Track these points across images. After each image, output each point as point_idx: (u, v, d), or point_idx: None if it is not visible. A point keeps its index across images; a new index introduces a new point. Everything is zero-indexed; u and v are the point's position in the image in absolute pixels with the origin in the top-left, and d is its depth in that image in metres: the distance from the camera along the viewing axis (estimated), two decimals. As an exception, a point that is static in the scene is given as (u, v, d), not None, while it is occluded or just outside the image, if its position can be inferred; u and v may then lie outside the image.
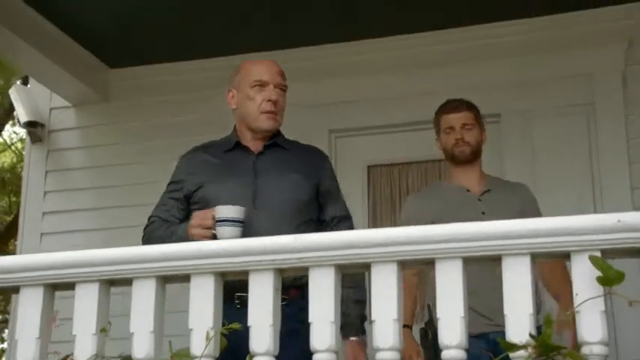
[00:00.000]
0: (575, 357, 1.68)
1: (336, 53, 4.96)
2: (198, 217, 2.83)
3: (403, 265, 1.86)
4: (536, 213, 3.51)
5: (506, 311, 1.78)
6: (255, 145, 3.08)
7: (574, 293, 1.76)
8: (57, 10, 4.77)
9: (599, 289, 1.74)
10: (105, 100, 5.33)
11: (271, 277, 1.91)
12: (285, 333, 1.96)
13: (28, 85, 5.63)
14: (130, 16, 4.79)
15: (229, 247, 1.93)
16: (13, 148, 15.70)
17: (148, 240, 3.04)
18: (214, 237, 2.68)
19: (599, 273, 1.73)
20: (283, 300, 2.00)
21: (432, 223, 3.15)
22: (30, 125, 5.31)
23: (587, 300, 1.74)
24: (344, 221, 3.08)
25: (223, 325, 1.91)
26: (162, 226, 3.03)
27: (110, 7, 4.73)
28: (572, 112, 4.66)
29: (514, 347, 1.70)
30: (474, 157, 3.62)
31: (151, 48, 5.11)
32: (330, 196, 3.10)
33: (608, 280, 1.71)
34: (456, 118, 3.64)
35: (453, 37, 4.82)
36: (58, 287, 2.06)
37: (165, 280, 2.00)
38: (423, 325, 3.42)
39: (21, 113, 5.35)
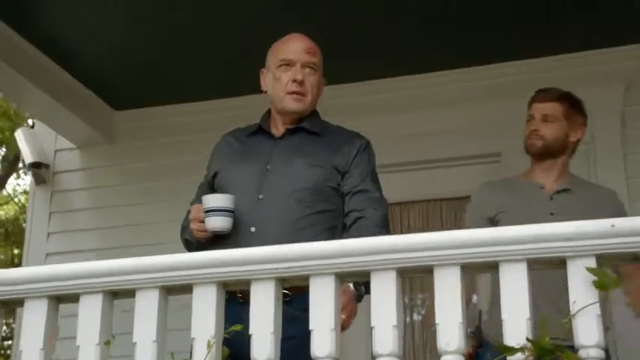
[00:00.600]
0: (571, 358, 1.70)
1: (332, 95, 5.00)
2: (193, 210, 2.77)
3: (402, 272, 1.89)
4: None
5: (503, 316, 1.81)
6: (280, 130, 2.93)
7: (570, 299, 1.78)
8: (64, 53, 4.86)
9: (595, 295, 1.76)
10: (109, 141, 5.40)
11: (272, 286, 1.93)
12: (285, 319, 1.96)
13: (34, 128, 5.70)
14: (135, 58, 4.88)
15: (230, 256, 1.96)
16: (16, 200, 15.80)
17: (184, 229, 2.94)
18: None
19: (595, 278, 1.76)
20: (285, 296, 2.01)
21: (496, 215, 3.17)
22: (35, 166, 5.37)
23: (585, 306, 1.75)
24: (360, 193, 2.80)
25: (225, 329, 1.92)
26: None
27: (116, 50, 4.82)
28: (570, 151, 4.70)
29: (511, 350, 1.72)
30: (548, 152, 3.32)
31: (155, 90, 5.20)
32: (351, 174, 2.83)
33: (604, 284, 1.74)
34: (538, 108, 3.39)
35: (453, 78, 4.90)
36: (62, 299, 2.08)
37: (168, 290, 2.02)
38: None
39: (26, 154, 5.42)
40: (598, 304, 1.76)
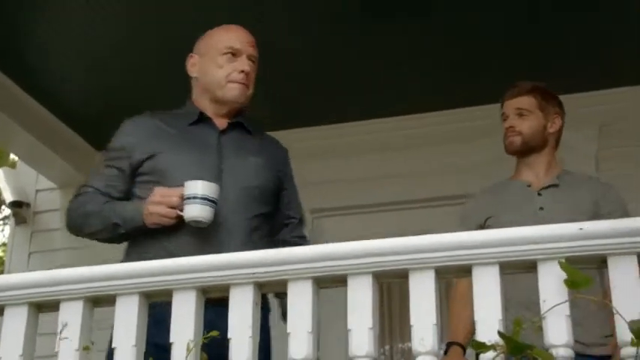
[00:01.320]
0: (544, 356, 1.74)
1: (316, 136, 5.11)
2: (159, 193, 2.59)
3: (378, 276, 1.93)
4: (616, 208, 3.12)
5: (476, 317, 1.85)
6: (219, 122, 2.82)
7: (541, 300, 1.83)
8: (47, 93, 4.92)
9: (565, 295, 1.82)
10: (90, 181, 5.41)
11: (251, 291, 1.97)
12: None
13: (16, 168, 5.74)
14: (117, 98, 4.93)
15: (210, 261, 2.00)
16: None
17: (74, 211, 2.74)
18: (178, 218, 2.53)
19: (563, 282, 1.81)
20: None
21: (486, 221, 3.15)
22: (15, 205, 5.39)
23: (555, 305, 1.81)
24: (301, 225, 2.93)
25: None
26: (97, 200, 2.72)
27: (99, 92, 4.88)
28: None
29: (483, 347, 1.76)
30: (528, 148, 3.26)
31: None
32: (289, 193, 2.91)
33: (575, 283, 1.79)
34: (510, 104, 3.32)
35: (431, 121, 4.99)
36: (42, 306, 2.11)
37: (147, 296, 2.05)
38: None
39: (7, 194, 5.43)
40: (567, 304, 1.80)
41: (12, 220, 5.57)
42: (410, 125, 4.99)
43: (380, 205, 4.94)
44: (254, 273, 1.96)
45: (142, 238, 2.67)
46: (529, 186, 3.24)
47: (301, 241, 2.88)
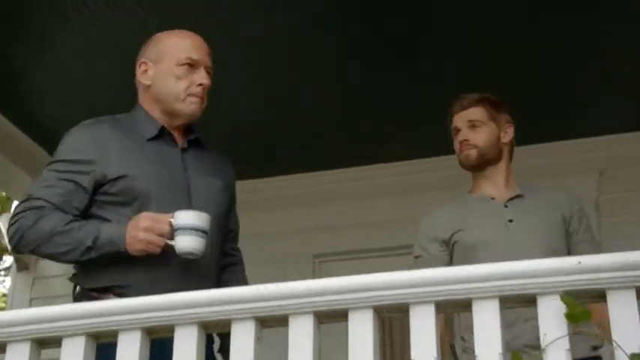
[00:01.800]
0: (543, 389, 1.74)
1: (318, 181, 5.15)
2: (149, 218, 2.42)
3: (379, 310, 1.94)
4: (581, 219, 3.14)
5: (477, 351, 1.85)
6: (177, 137, 2.68)
7: (541, 333, 1.84)
8: (50, 138, 4.96)
9: (565, 329, 1.82)
10: (92, 227, 5.43)
11: (252, 326, 1.97)
12: None
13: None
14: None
15: (210, 296, 2.00)
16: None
17: (30, 227, 2.46)
18: (166, 247, 2.41)
19: (564, 315, 1.82)
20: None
21: (452, 236, 3.08)
22: (17, 252, 5.38)
23: (555, 339, 1.81)
24: (237, 235, 2.86)
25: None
26: (57, 217, 2.47)
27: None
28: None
29: (485, 381, 1.76)
30: (485, 161, 3.16)
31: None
32: (234, 207, 2.82)
33: (575, 317, 1.79)
34: (461, 117, 3.21)
35: (433, 166, 5.02)
36: (44, 342, 2.10)
37: (149, 332, 2.05)
38: None
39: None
40: (567, 338, 1.81)
41: (14, 267, 5.57)
42: (412, 170, 5.04)
43: (383, 250, 4.96)
44: (255, 308, 1.96)
45: (104, 263, 2.49)
46: (493, 199, 3.15)
47: (235, 252, 2.85)
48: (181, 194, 2.56)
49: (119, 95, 4.44)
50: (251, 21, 3.97)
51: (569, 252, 3.07)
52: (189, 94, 2.64)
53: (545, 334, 1.83)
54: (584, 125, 4.83)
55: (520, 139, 4.82)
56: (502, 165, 3.20)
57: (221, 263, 2.75)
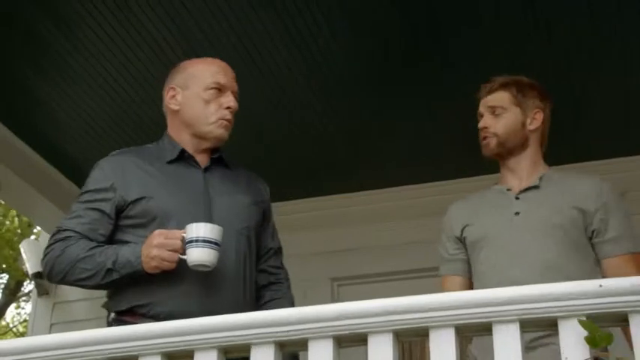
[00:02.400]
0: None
1: (337, 205, 5.15)
2: (162, 235, 2.46)
3: (398, 334, 1.93)
4: (607, 214, 2.81)
5: (497, 376, 1.84)
6: (200, 158, 2.74)
7: (562, 357, 1.82)
8: (72, 165, 5.01)
9: (586, 353, 1.80)
10: (112, 251, 5.46)
11: (272, 351, 1.97)
12: None
13: (39, 239, 5.79)
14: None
15: (230, 320, 2.00)
16: (14, 330, 15.70)
17: (58, 257, 2.57)
18: (180, 262, 2.44)
19: (584, 339, 1.80)
20: None
21: (462, 230, 2.94)
22: (38, 277, 5.42)
23: (576, 364, 1.79)
24: (279, 254, 2.88)
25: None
26: (82, 244, 2.56)
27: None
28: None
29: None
30: (506, 150, 2.93)
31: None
32: (270, 225, 2.86)
33: (596, 340, 1.78)
34: (483, 103, 2.99)
35: (450, 189, 5.00)
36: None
37: (169, 357, 2.05)
38: None
39: (30, 265, 5.48)
40: (589, 362, 1.79)
41: (34, 292, 5.59)
42: (432, 193, 5.02)
43: (403, 273, 4.93)
44: (275, 332, 1.96)
45: (132, 284, 2.55)
46: (509, 190, 2.93)
47: (278, 270, 2.87)
48: (202, 211, 2.60)
49: (137, 123, 4.58)
50: (271, 53, 4.01)
51: (593, 249, 2.81)
52: (218, 118, 2.71)
53: (566, 358, 1.82)
54: (606, 146, 4.80)
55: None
56: (528, 154, 2.94)
57: (263, 282, 2.80)
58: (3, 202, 11.41)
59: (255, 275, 2.76)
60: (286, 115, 4.50)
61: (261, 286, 2.79)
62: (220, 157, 2.79)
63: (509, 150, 2.93)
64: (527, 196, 2.88)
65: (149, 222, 2.58)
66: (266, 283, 2.82)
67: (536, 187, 2.89)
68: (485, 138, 2.94)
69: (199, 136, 2.74)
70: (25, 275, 10.69)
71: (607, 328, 1.82)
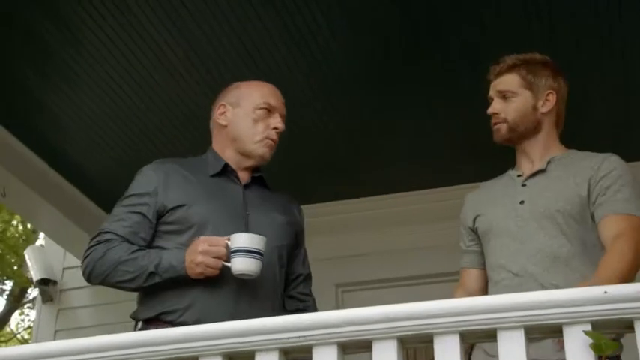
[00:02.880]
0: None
1: (341, 210, 5.15)
2: (206, 242, 2.52)
3: (403, 341, 1.93)
4: (604, 181, 2.67)
5: (503, 384, 1.83)
6: (241, 175, 2.80)
7: (568, 364, 1.82)
8: (76, 171, 5.02)
9: (592, 360, 1.80)
10: (117, 258, 5.46)
11: (276, 357, 1.97)
12: None
13: (44, 246, 5.81)
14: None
15: (234, 327, 2.00)
16: (19, 336, 15.71)
17: (99, 259, 2.62)
18: (224, 269, 2.50)
19: (589, 346, 1.80)
20: None
21: (475, 221, 2.87)
22: (42, 283, 5.43)
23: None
24: (308, 281, 2.93)
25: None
26: (124, 247, 2.61)
27: (125, 168, 4.96)
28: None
29: (511, 412, 1.74)
30: (518, 135, 2.82)
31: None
32: (302, 250, 2.92)
33: (601, 348, 1.77)
34: (493, 87, 2.88)
35: (455, 194, 4.97)
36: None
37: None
38: None
39: (35, 271, 5.49)
40: (595, 370, 1.79)
41: (39, 299, 5.60)
42: (436, 199, 5.02)
43: (407, 279, 4.93)
44: (279, 339, 1.96)
45: (164, 288, 2.61)
46: (519, 176, 2.83)
47: (306, 297, 2.91)
48: (238, 225, 2.65)
49: (141, 128, 4.59)
50: (271, 52, 4.01)
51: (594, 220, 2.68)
52: (265, 137, 2.79)
53: (572, 365, 1.81)
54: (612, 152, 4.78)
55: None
56: (540, 137, 2.82)
57: (290, 307, 2.84)
58: (7, 209, 11.44)
59: (281, 293, 2.81)
60: (288, 120, 4.48)
61: (289, 311, 2.81)
62: (261, 176, 2.85)
63: (520, 135, 2.82)
64: (534, 181, 2.78)
65: (186, 229, 2.64)
66: (294, 309, 2.84)
67: (542, 171, 2.79)
68: (495, 124, 2.84)
69: (243, 154, 2.80)
70: (30, 282, 10.70)
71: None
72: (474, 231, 2.91)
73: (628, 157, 4.51)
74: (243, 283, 2.57)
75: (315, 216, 5.13)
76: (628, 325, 1.84)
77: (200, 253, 2.52)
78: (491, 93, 2.87)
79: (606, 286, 1.84)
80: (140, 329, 2.64)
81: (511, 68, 2.83)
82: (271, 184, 2.93)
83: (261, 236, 2.51)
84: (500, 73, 2.85)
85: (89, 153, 4.83)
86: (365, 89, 4.30)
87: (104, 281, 2.68)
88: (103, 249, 2.64)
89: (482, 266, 2.91)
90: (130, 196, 2.73)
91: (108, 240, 2.65)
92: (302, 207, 5.05)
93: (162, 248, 2.64)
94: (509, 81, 2.82)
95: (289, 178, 4.90)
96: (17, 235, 13.60)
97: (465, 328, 1.89)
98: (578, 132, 4.42)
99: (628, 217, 2.63)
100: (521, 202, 2.75)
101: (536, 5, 3.74)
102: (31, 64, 4.16)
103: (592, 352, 1.80)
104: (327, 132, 4.59)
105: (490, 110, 2.85)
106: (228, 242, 2.52)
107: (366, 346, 1.95)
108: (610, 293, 1.82)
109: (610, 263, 2.50)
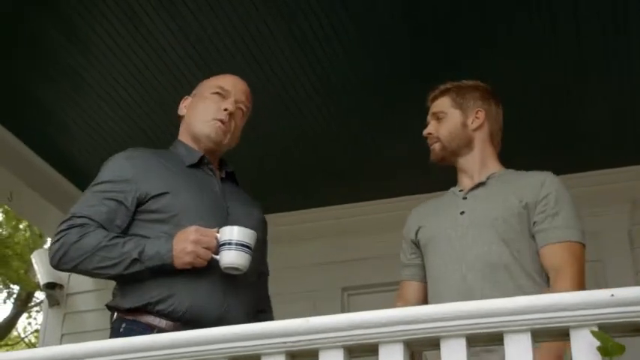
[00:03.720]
0: None
1: (347, 214, 5.15)
2: (198, 232, 2.47)
3: (409, 344, 1.92)
4: (551, 199, 2.76)
5: (509, 385, 1.82)
6: (219, 171, 2.78)
7: (575, 369, 1.81)
8: (84, 177, 5.02)
9: (599, 363, 1.79)
10: (123, 262, 5.47)
11: (283, 361, 1.96)
12: None
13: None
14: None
15: (239, 331, 1.99)
16: (26, 340, 15.74)
17: (74, 243, 2.51)
18: (212, 261, 2.46)
19: (597, 349, 1.79)
20: None
21: (417, 234, 2.93)
22: (49, 287, 5.44)
23: (588, 374, 1.78)
24: (267, 280, 2.90)
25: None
26: (100, 233, 2.52)
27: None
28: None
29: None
30: (452, 153, 2.94)
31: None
32: (266, 249, 2.87)
33: (608, 351, 1.76)
34: (429, 112, 3.03)
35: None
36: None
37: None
38: None
39: (41, 275, 5.50)
40: (602, 373, 1.78)
41: (45, 303, 5.61)
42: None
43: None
44: (285, 342, 1.95)
45: (147, 276, 2.54)
46: (461, 191, 2.93)
47: (268, 300, 2.92)
48: (220, 216, 2.61)
49: (147, 132, 4.60)
50: (278, 59, 4.02)
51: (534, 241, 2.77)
52: (214, 119, 2.72)
53: (578, 369, 1.80)
54: (616, 155, 4.78)
55: (552, 168, 4.87)
56: (476, 153, 2.93)
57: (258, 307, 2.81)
58: (14, 214, 11.46)
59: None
60: (294, 124, 4.50)
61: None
62: (233, 172, 2.83)
63: (453, 152, 2.94)
64: (474, 194, 2.87)
65: (169, 218, 2.57)
66: (259, 309, 2.83)
67: (483, 184, 2.88)
68: (431, 144, 2.97)
69: (194, 138, 2.75)
70: (37, 286, 10.72)
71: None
72: (416, 244, 2.97)
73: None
74: (225, 279, 2.54)
75: (321, 219, 5.15)
76: (635, 329, 1.83)
77: (192, 242, 2.47)
78: (428, 117, 3.01)
79: (613, 289, 1.83)
80: (120, 320, 2.57)
81: (443, 93, 2.99)
82: (241, 183, 2.91)
83: (252, 231, 2.47)
84: (434, 98, 3.01)
85: (96, 157, 4.83)
86: (373, 97, 4.30)
87: (76, 267, 2.56)
88: (78, 233, 2.52)
89: (423, 279, 2.96)
90: (103, 182, 2.64)
91: (82, 225, 2.54)
92: (308, 210, 5.13)
93: (142, 237, 2.56)
94: (440, 103, 2.97)
95: (295, 182, 4.93)
96: (23, 240, 13.62)
97: (471, 331, 1.88)
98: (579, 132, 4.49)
99: (568, 244, 2.73)
100: (462, 213, 2.83)
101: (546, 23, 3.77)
102: (39, 69, 4.18)
103: (599, 356, 1.78)
104: (333, 135, 4.59)
105: (425, 132, 2.98)
106: (218, 235, 2.48)
107: (372, 349, 1.94)
108: (617, 296, 1.81)
109: None
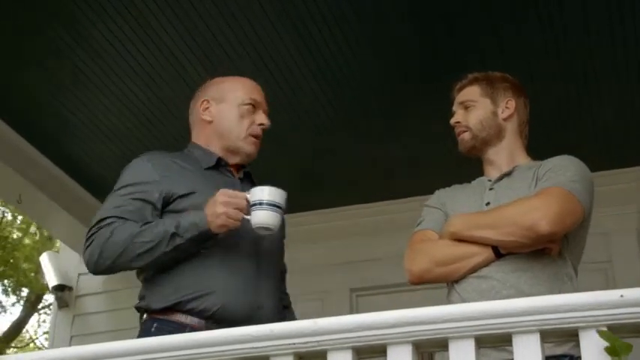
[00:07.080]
0: None
1: (355, 215, 5.15)
2: (226, 194, 2.48)
3: (418, 345, 1.92)
4: (550, 169, 2.66)
5: (519, 388, 1.82)
6: (236, 173, 2.78)
7: (584, 368, 1.80)
8: (91, 180, 5.05)
9: (608, 364, 1.79)
10: (132, 264, 5.49)
11: (292, 362, 1.96)
12: None
13: (59, 252, 5.83)
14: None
15: (248, 332, 1.99)
16: (37, 342, 15.78)
17: (106, 241, 2.49)
18: (244, 222, 2.46)
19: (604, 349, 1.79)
20: None
21: (445, 219, 2.75)
22: (58, 289, 5.45)
23: (597, 374, 1.77)
24: (285, 276, 2.93)
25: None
26: (130, 225, 2.50)
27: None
28: (590, 269, 4.68)
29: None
30: (482, 142, 2.83)
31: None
32: (284, 246, 2.88)
33: (616, 350, 1.76)
34: (455, 102, 2.92)
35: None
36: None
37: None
38: None
39: (50, 277, 5.51)
40: (611, 373, 1.77)
41: (54, 305, 5.62)
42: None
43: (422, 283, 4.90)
44: (293, 344, 1.95)
45: (178, 274, 2.55)
46: (489, 180, 2.82)
47: (287, 296, 2.95)
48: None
49: (162, 141, 4.61)
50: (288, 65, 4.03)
51: None
52: (250, 134, 2.75)
53: (588, 369, 1.80)
54: (624, 155, 4.78)
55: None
56: (505, 144, 2.83)
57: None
58: (24, 217, 11.48)
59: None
60: (306, 126, 4.51)
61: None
62: (249, 172, 2.83)
63: (483, 141, 2.83)
64: (500, 185, 2.76)
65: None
66: (284, 304, 2.89)
67: (507, 174, 2.78)
68: (459, 134, 2.86)
69: (230, 150, 2.76)
70: (46, 288, 10.75)
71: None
72: (445, 214, 2.81)
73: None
74: (257, 269, 2.60)
75: (330, 221, 5.15)
76: (644, 330, 1.83)
77: (221, 204, 2.46)
78: (454, 107, 2.91)
79: (622, 290, 1.82)
80: (152, 320, 2.56)
81: (472, 82, 2.88)
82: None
83: (281, 190, 2.47)
84: (462, 87, 2.90)
85: (104, 160, 4.86)
86: (378, 96, 4.31)
87: (115, 262, 2.52)
88: (108, 231, 2.51)
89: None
90: (127, 185, 2.62)
91: (109, 224, 2.52)
92: (317, 211, 5.13)
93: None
94: (469, 92, 2.86)
95: (304, 183, 4.92)
96: (32, 243, 13.66)
97: (480, 332, 1.88)
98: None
99: (561, 189, 2.57)
100: (487, 204, 2.72)
101: (553, 25, 3.76)
102: (49, 74, 4.19)
103: (608, 357, 1.78)
104: (342, 136, 4.59)
105: (452, 120, 2.88)
106: (248, 196, 2.49)
107: (380, 350, 1.94)
108: (626, 297, 1.81)
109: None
